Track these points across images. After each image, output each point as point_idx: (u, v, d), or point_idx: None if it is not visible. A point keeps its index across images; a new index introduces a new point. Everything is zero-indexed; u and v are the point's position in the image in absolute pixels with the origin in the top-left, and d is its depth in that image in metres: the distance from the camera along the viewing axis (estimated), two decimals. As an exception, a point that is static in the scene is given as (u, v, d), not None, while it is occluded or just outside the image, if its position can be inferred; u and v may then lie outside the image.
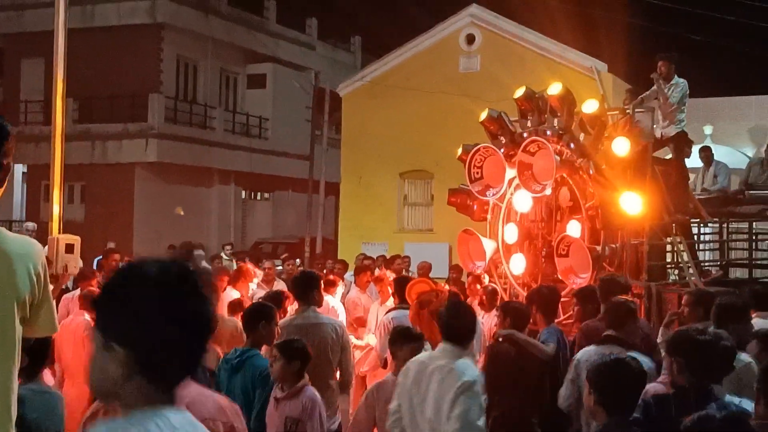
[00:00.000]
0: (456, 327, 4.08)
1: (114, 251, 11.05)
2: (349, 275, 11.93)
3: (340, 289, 8.62)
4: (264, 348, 4.91)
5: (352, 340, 7.81)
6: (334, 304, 7.98)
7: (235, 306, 6.91)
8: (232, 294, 7.79)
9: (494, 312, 7.16)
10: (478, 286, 8.45)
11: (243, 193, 27.66)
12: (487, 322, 7.46)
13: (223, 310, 6.96)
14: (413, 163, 18.45)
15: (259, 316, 4.81)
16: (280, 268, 12.71)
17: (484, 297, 7.96)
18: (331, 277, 9.02)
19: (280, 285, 10.16)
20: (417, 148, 17.88)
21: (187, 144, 23.64)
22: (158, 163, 22.94)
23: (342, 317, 7.65)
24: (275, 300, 6.41)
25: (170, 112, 23.70)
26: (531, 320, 5.71)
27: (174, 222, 23.07)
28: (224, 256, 15.11)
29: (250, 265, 8.35)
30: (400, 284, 6.97)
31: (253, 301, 7.38)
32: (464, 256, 8.98)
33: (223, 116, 25.74)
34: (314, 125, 23.82)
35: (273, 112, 27.36)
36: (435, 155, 17.04)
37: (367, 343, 7.92)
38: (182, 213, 22.75)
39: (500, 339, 5.54)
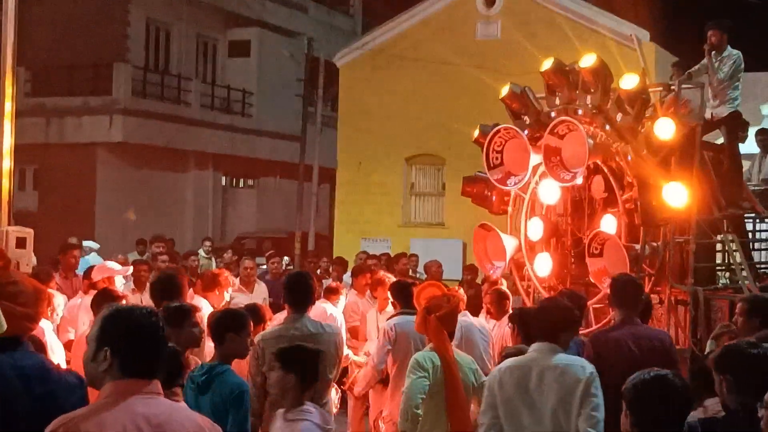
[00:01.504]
0: (551, 323, 4.54)
1: (74, 246, 11.05)
2: (346, 277, 11.97)
3: (342, 299, 8.58)
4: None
5: (350, 356, 7.86)
6: (332, 312, 8.00)
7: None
8: (200, 303, 7.79)
9: (506, 321, 7.21)
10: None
11: (223, 179, 27.76)
12: (497, 332, 7.47)
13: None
14: (422, 147, 18.49)
15: (226, 326, 4.80)
16: (264, 267, 12.73)
17: (490, 302, 7.98)
18: (334, 284, 9.03)
19: (261, 289, 10.21)
20: (427, 128, 17.90)
21: (158, 122, 23.65)
22: (124, 144, 22.92)
23: (342, 329, 7.66)
24: (254, 315, 6.43)
25: (138, 84, 23.69)
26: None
27: (143, 213, 23.09)
28: (202, 254, 15.13)
29: (228, 275, 8.28)
30: (398, 289, 7.03)
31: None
32: (480, 255, 8.96)
33: (199, 89, 25.75)
34: (306, 101, 23.80)
35: (258, 85, 27.38)
36: (447, 137, 17.07)
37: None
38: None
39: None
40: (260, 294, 9.96)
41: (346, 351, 7.11)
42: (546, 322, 4.60)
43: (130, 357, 2.69)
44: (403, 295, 6.97)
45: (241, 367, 5.32)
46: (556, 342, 4.54)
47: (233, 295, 9.95)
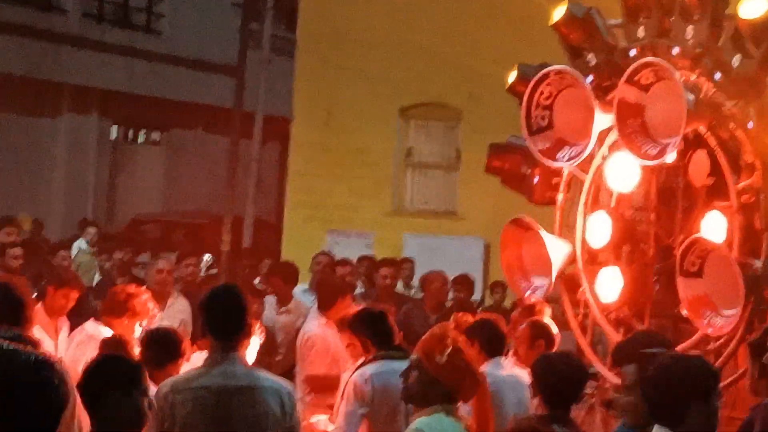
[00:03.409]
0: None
1: None
2: (301, 290, 11.93)
3: (255, 341, 8.43)
4: None
5: (319, 422, 7.81)
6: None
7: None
8: (101, 332, 7.72)
9: None
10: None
11: (114, 130, 27.75)
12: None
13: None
14: (425, 93, 18.48)
15: (105, 381, 4.68)
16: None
17: (520, 339, 7.99)
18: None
19: (178, 306, 10.20)
20: (433, 64, 17.86)
21: (15, 38, 23.64)
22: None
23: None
24: (164, 348, 6.36)
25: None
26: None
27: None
28: (82, 247, 15.11)
29: (147, 300, 8.27)
30: (368, 321, 7.07)
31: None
32: (512, 266, 9.02)
33: (81, -9, 25.77)
34: (248, 13, 23.66)
35: (173, -14, 27.38)
36: (465, 80, 17.11)
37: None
38: None
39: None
40: (176, 313, 10.05)
41: (316, 417, 7.08)
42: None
43: None
44: (377, 330, 6.99)
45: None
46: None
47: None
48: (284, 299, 11.32)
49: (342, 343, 8.37)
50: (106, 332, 7.77)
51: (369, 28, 18.37)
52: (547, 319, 8.41)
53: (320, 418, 7.72)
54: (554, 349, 8.05)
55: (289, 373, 8.97)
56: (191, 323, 9.88)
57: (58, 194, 25.49)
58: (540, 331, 7.96)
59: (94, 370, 4.82)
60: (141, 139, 29.09)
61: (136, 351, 7.16)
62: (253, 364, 7.05)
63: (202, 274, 14.72)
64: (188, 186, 27.56)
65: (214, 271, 17.26)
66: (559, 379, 5.95)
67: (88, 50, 25.23)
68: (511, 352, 8.33)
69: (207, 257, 17.15)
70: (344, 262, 12.91)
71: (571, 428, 5.77)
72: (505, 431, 6.04)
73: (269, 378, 5.89)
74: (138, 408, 4.69)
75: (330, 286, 9.81)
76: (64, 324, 8.79)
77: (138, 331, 7.98)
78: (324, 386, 8.78)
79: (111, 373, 4.74)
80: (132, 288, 8.65)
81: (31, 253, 12.20)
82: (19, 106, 24.55)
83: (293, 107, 19.73)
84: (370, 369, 6.86)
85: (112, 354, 5.43)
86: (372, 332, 7.06)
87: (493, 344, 7.58)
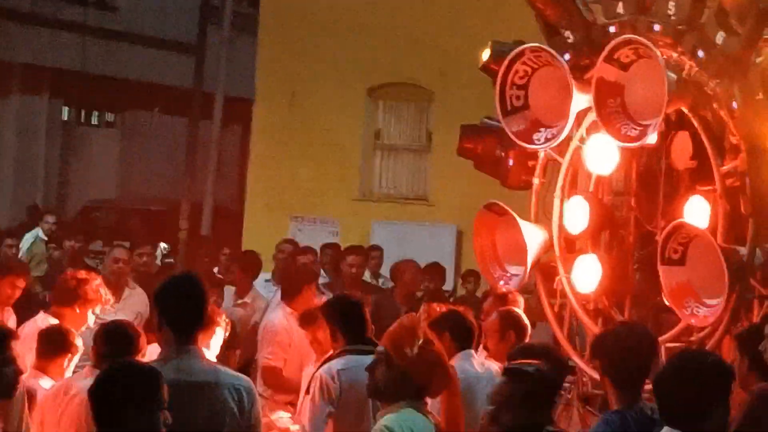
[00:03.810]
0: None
1: None
2: (264, 280, 11.89)
3: (219, 332, 8.36)
4: None
5: (280, 419, 7.79)
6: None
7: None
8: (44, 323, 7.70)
9: None
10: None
11: (66, 111, 27.76)
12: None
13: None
14: (395, 72, 18.50)
15: (118, 396, 4.53)
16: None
17: (489, 331, 8.00)
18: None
19: (135, 298, 10.18)
20: (402, 44, 17.87)
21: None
22: None
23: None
24: (122, 341, 6.37)
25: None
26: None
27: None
28: (40, 235, 15.04)
29: (99, 286, 8.24)
30: (340, 310, 7.03)
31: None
32: (486, 253, 9.04)
33: (31, -37, 25.63)
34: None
35: (128, -40, 27.29)
36: (437, 58, 17.13)
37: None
38: None
39: None
40: (133, 305, 10.06)
41: (277, 414, 7.07)
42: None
43: None
44: (348, 319, 6.94)
45: None
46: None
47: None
48: (242, 290, 11.30)
49: (306, 339, 8.38)
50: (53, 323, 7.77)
51: (336, 4, 18.37)
52: (519, 310, 8.43)
53: (282, 416, 7.70)
54: (525, 341, 8.05)
55: (244, 369, 8.91)
56: (148, 315, 9.86)
57: (6, 179, 25.44)
58: (510, 322, 7.96)
59: (105, 380, 4.65)
60: (94, 120, 29.07)
61: (79, 342, 7.17)
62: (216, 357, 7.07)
63: (158, 263, 14.67)
64: (144, 171, 27.57)
65: (170, 260, 17.24)
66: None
67: (39, 27, 25.19)
68: (481, 345, 8.35)
69: (163, 246, 17.14)
70: (306, 249, 12.90)
71: (556, 428, 5.74)
72: (479, 428, 6.02)
73: (228, 373, 5.83)
74: (153, 425, 4.54)
75: (294, 275, 9.84)
76: (11, 315, 8.74)
77: (91, 319, 8.00)
78: (280, 383, 8.78)
79: (124, 384, 4.57)
80: (82, 273, 8.63)
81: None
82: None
83: (256, 88, 19.69)
84: (337, 364, 6.82)
85: (127, 361, 5.17)
86: (344, 322, 7.00)
87: (463, 336, 7.56)
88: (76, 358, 7.13)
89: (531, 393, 5.07)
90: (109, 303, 8.52)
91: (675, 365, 4.74)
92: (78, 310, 7.90)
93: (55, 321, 7.80)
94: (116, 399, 4.47)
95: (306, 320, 8.33)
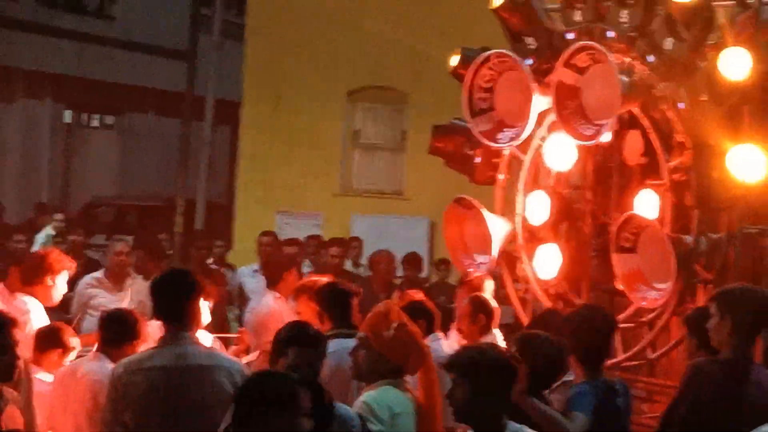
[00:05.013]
0: None
1: None
2: (252, 271, 11.92)
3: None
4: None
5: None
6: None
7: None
8: (24, 305, 7.71)
9: None
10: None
11: (67, 114, 27.43)
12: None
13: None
14: (373, 76, 18.49)
15: (257, 401, 4.36)
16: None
17: (461, 315, 8.08)
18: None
19: (136, 287, 10.18)
20: (381, 49, 17.86)
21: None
22: None
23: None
24: (123, 328, 6.41)
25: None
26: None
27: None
28: (51, 232, 15.02)
29: (59, 253, 8.24)
30: (331, 296, 7.00)
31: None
32: (455, 244, 9.06)
33: (34, -24, 25.40)
34: (198, 0, 23.52)
35: (125, -28, 27.10)
36: (411, 64, 17.12)
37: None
38: None
39: None
40: (135, 294, 10.05)
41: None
42: None
43: None
44: (337, 305, 6.92)
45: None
46: None
47: (91, 293, 9.93)
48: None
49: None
50: (32, 303, 7.76)
51: (318, 13, 18.32)
52: (488, 294, 8.50)
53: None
54: (495, 324, 8.14)
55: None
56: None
57: (13, 179, 25.23)
58: (480, 307, 8.06)
59: (248, 386, 4.58)
60: (94, 123, 28.82)
61: (75, 341, 7.14)
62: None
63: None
64: (141, 169, 27.39)
65: (170, 253, 17.17)
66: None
67: (40, 35, 25.01)
68: (455, 327, 8.43)
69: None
70: (292, 241, 12.92)
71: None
72: None
73: (222, 357, 5.89)
74: (294, 429, 4.40)
75: (275, 264, 9.85)
76: None
77: (61, 287, 8.00)
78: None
79: (264, 390, 4.43)
80: (41, 250, 8.62)
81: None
82: (-28, 92, 24.35)
83: (243, 91, 19.61)
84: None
85: (268, 371, 5.06)
86: (332, 307, 6.96)
87: (430, 321, 7.64)
88: (73, 354, 7.09)
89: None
90: (73, 267, 8.33)
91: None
92: (50, 282, 7.84)
93: (29, 299, 7.79)
94: (257, 403, 4.35)
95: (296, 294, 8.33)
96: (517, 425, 4.89)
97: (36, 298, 7.80)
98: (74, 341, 7.13)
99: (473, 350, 5.04)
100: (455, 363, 4.90)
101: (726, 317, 5.78)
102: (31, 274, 7.93)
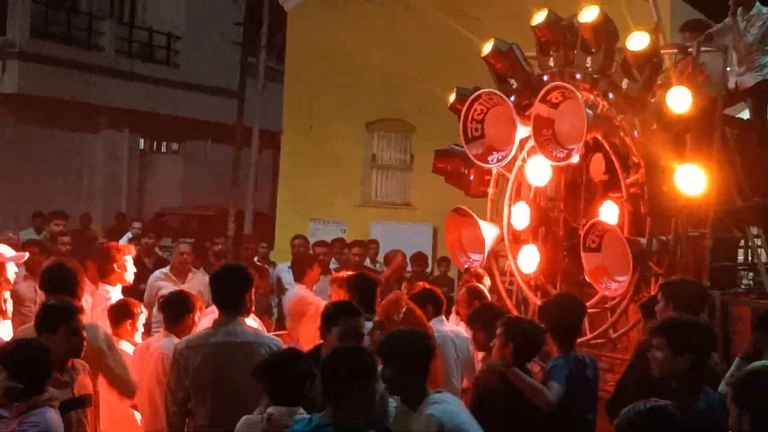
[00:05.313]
0: None
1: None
2: (286, 267, 11.93)
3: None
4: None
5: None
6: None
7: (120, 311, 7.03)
8: (107, 294, 7.68)
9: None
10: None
11: (141, 142, 27.63)
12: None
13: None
14: (387, 110, 18.45)
15: (348, 374, 4.30)
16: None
17: (459, 300, 8.06)
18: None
19: (197, 279, 10.21)
20: (393, 88, 17.83)
21: (63, 69, 23.36)
22: (20, 96, 22.60)
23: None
24: (179, 304, 6.40)
25: (39, 23, 23.34)
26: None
27: (40, 180, 22.88)
28: (130, 235, 15.05)
29: (126, 246, 8.23)
30: (361, 286, 6.88)
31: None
32: (454, 245, 9.07)
33: (115, 31, 25.54)
34: (246, 49, 23.61)
35: (187, 27, 27.23)
36: (418, 100, 17.06)
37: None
38: None
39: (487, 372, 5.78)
40: (195, 285, 10.00)
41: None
42: None
43: None
44: (365, 292, 6.74)
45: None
46: None
47: (159, 285, 9.93)
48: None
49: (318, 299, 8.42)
50: (111, 290, 7.72)
51: (342, 59, 18.36)
52: (482, 285, 8.50)
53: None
54: None
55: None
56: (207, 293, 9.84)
57: (98, 195, 25.39)
58: (475, 295, 8.04)
59: (336, 360, 4.43)
60: (163, 149, 28.99)
61: (141, 309, 7.13)
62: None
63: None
64: (201, 186, 27.45)
65: (220, 247, 17.17)
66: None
67: (120, 79, 25.08)
68: (453, 311, 8.44)
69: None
70: (321, 243, 12.90)
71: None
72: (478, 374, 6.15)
73: (265, 335, 5.90)
74: (373, 393, 4.40)
75: (300, 261, 9.82)
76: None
77: (131, 268, 7.97)
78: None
79: (352, 364, 4.37)
80: (105, 244, 8.76)
81: (77, 242, 12.13)
82: (67, 124, 24.40)
83: (283, 123, 19.67)
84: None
85: (350, 345, 4.89)
86: (361, 293, 6.73)
87: (437, 307, 7.61)
88: (142, 318, 7.07)
89: None
90: (132, 251, 8.30)
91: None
92: (117, 268, 7.80)
93: (108, 287, 7.73)
94: (346, 374, 4.29)
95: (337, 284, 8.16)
96: (439, 395, 4.81)
97: (113, 284, 7.77)
98: (140, 308, 7.10)
99: (393, 337, 4.92)
100: (379, 349, 4.82)
101: (669, 303, 5.85)
102: (102, 266, 7.90)
